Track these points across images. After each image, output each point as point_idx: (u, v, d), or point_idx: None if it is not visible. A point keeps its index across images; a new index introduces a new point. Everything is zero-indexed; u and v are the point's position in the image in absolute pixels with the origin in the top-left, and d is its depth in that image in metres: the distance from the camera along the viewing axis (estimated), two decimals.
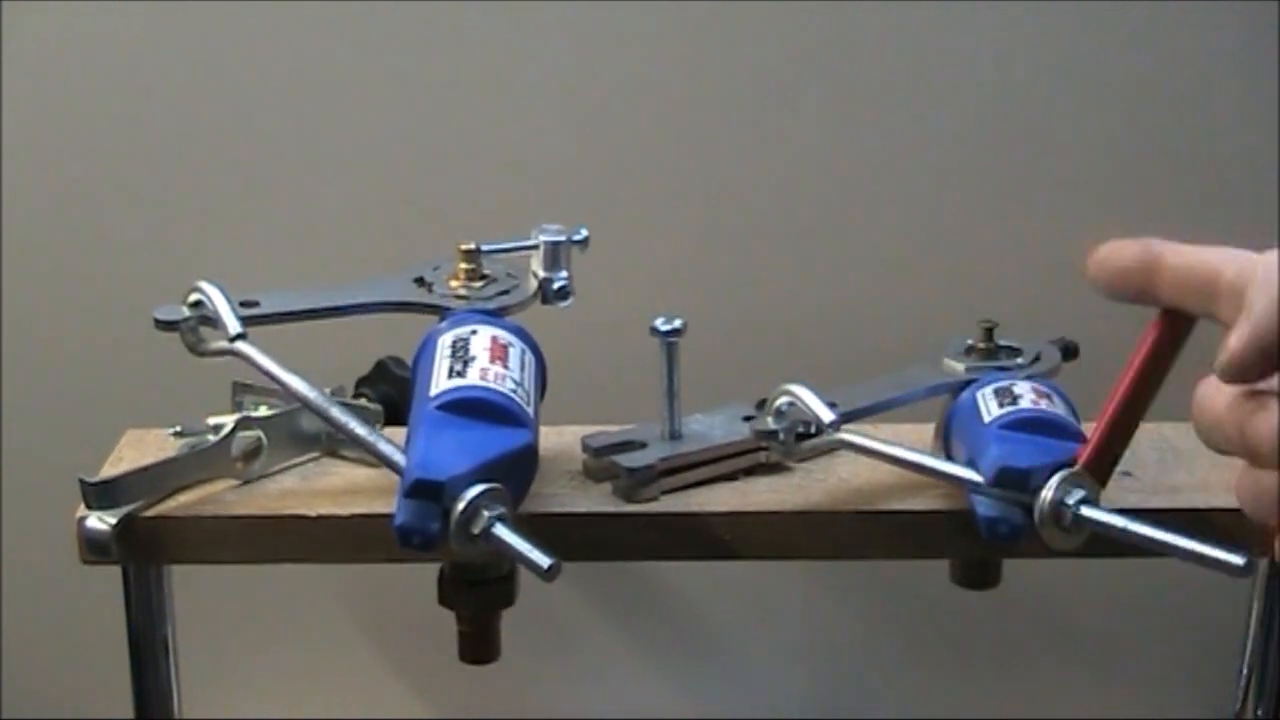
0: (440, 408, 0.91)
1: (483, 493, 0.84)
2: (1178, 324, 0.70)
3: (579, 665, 1.49)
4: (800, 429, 0.98)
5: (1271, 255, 0.62)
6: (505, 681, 1.44)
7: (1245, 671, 1.18)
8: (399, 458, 0.88)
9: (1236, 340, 0.62)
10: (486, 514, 0.84)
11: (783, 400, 0.97)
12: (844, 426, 0.96)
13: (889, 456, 0.95)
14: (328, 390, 1.03)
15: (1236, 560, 0.77)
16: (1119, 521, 0.84)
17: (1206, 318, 0.66)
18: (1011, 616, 1.45)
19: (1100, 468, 0.83)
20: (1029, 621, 1.46)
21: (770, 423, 0.98)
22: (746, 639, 1.49)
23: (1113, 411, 0.78)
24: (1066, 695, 1.50)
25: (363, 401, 1.09)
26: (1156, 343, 0.72)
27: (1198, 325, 0.69)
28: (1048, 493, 0.85)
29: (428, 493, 0.84)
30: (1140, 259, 0.67)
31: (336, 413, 0.93)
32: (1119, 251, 0.67)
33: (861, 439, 0.96)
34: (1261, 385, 0.63)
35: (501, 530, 0.84)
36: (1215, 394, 0.64)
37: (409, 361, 1.01)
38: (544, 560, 0.82)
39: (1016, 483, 0.89)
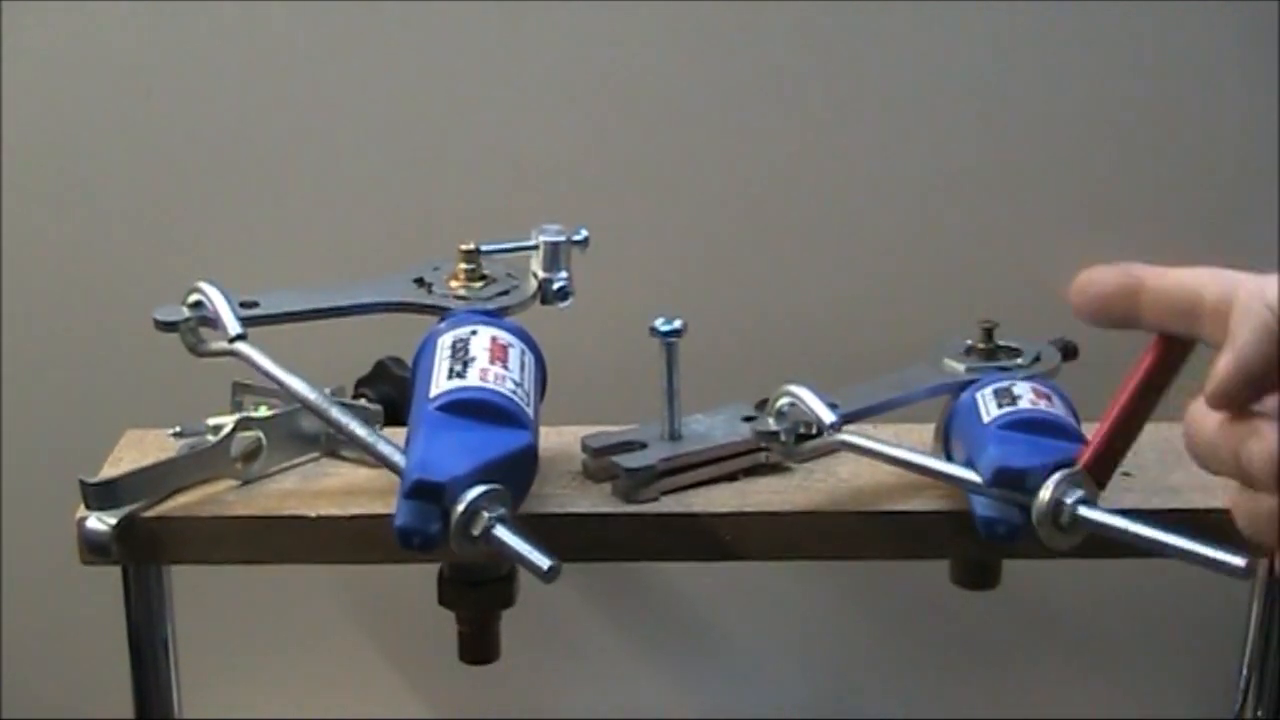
0: (440, 408, 0.91)
1: (483, 494, 0.84)
2: (1175, 345, 0.70)
3: (579, 665, 1.49)
4: (801, 429, 0.98)
5: (1251, 280, 0.62)
6: (505, 682, 1.44)
7: (1245, 672, 1.18)
8: (399, 459, 0.88)
9: (1222, 370, 0.61)
10: (487, 515, 0.84)
11: (784, 401, 0.97)
12: (844, 427, 0.96)
13: (889, 457, 0.95)
14: (327, 390, 1.03)
15: (1238, 562, 0.76)
16: (1117, 522, 0.84)
17: (1193, 339, 0.66)
18: (1011, 616, 1.45)
19: (1101, 469, 0.82)
20: (1029, 621, 1.46)
21: (771, 423, 0.98)
22: (746, 639, 1.49)
23: (1115, 416, 0.77)
24: (1066, 695, 1.50)
25: (362, 402, 1.09)
26: (1155, 361, 0.71)
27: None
28: (1045, 493, 0.85)
29: (428, 494, 0.84)
30: (1121, 284, 0.66)
31: (336, 413, 0.93)
32: (1099, 278, 0.67)
33: (862, 440, 0.96)
34: (1255, 406, 0.63)
35: (502, 531, 0.84)
36: (1206, 416, 0.63)
37: (409, 362, 1.01)
38: (544, 562, 0.82)
39: (1014, 483, 0.89)
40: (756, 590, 1.46)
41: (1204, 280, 0.64)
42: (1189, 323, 0.64)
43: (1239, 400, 0.62)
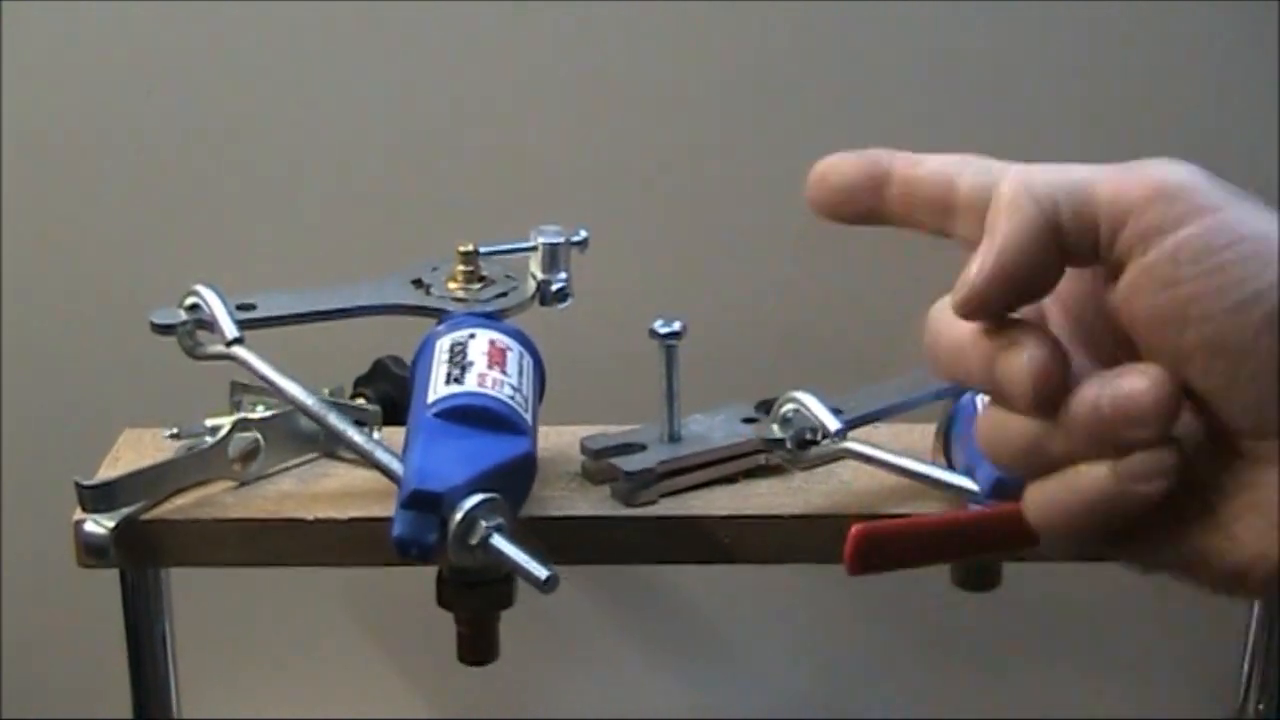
0: (438, 415, 0.90)
1: (480, 503, 0.84)
2: None
3: (578, 666, 1.49)
4: (806, 435, 0.97)
5: (1016, 169, 0.53)
6: (505, 682, 1.44)
7: (1246, 670, 1.18)
8: (396, 466, 0.88)
9: (977, 270, 0.51)
10: (484, 525, 0.84)
11: (788, 407, 0.97)
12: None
13: (892, 465, 0.95)
14: (326, 390, 1.03)
15: None
16: None
17: (942, 237, 0.55)
18: (1011, 616, 1.44)
19: None
20: (1029, 621, 1.46)
21: (776, 430, 0.98)
22: (746, 639, 1.49)
23: None
24: (1066, 695, 1.50)
25: (361, 402, 1.09)
26: None
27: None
28: None
29: (426, 504, 0.84)
30: (865, 173, 0.56)
31: (334, 419, 0.93)
32: (840, 166, 0.56)
33: (865, 448, 0.96)
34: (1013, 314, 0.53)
35: (499, 541, 0.84)
36: (955, 319, 0.53)
37: (408, 361, 1.01)
38: (541, 572, 0.81)
39: (1012, 494, 0.88)
40: (756, 591, 1.46)
41: (959, 167, 0.54)
42: (940, 218, 0.54)
43: (994, 308, 0.51)
